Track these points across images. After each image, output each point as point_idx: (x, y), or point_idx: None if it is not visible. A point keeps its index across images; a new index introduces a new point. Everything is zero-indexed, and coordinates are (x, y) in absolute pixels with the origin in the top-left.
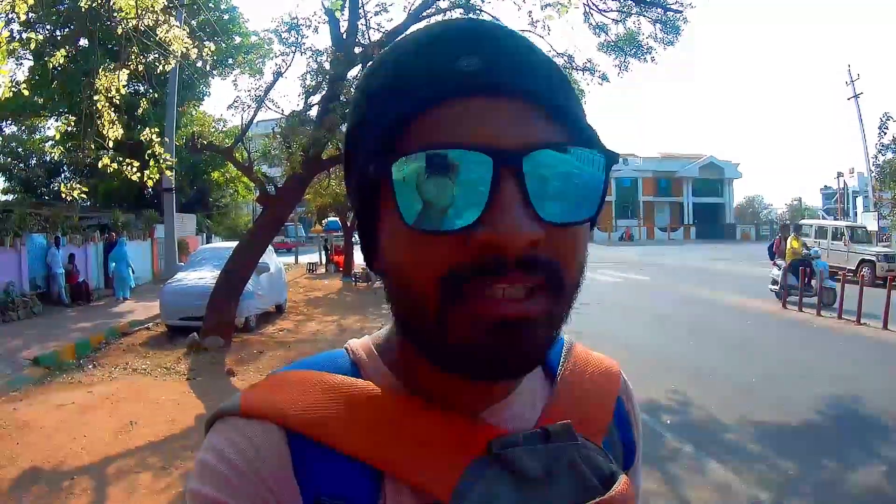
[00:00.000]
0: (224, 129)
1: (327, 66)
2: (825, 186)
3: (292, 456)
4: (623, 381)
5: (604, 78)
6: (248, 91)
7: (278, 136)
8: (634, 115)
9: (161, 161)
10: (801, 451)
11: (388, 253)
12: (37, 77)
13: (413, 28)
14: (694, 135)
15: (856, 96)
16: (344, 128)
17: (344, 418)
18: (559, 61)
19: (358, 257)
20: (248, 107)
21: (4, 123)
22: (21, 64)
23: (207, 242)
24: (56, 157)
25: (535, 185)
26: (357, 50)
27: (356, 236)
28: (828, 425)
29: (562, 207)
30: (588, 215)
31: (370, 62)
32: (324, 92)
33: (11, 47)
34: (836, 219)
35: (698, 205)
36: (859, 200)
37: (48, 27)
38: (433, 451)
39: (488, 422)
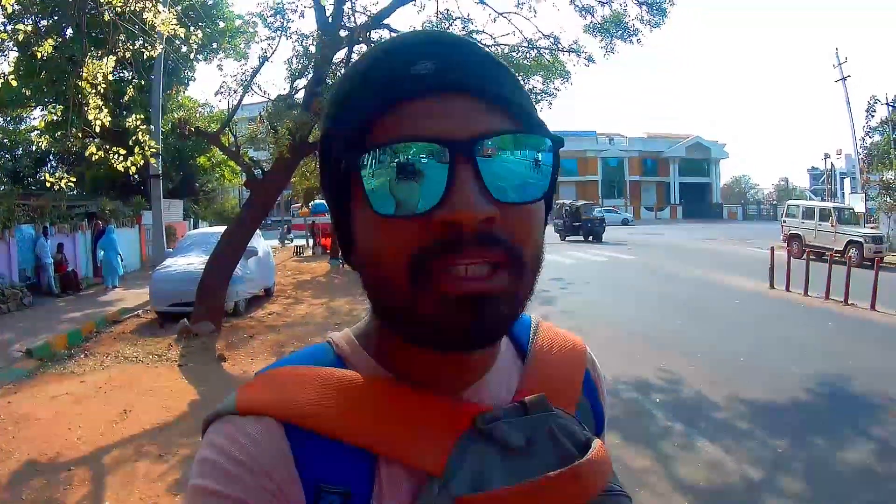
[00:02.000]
0: (210, 113)
1: (313, 49)
2: (812, 167)
3: (292, 447)
4: (588, 354)
5: (590, 59)
6: (234, 76)
7: (265, 120)
8: (620, 96)
9: (146, 148)
10: (790, 428)
11: (361, 242)
12: (22, 68)
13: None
14: (681, 115)
15: (843, 79)
16: None
17: (336, 408)
18: (545, 43)
19: None
20: (234, 92)
21: None
22: (6, 55)
23: (195, 228)
24: (43, 147)
25: (487, 170)
26: (343, 33)
27: None
28: (817, 403)
29: (513, 188)
30: (538, 195)
31: (342, 72)
32: (310, 76)
33: None
34: (823, 200)
35: (685, 184)
36: (847, 182)
37: (34, 18)
38: (423, 430)
39: (470, 400)
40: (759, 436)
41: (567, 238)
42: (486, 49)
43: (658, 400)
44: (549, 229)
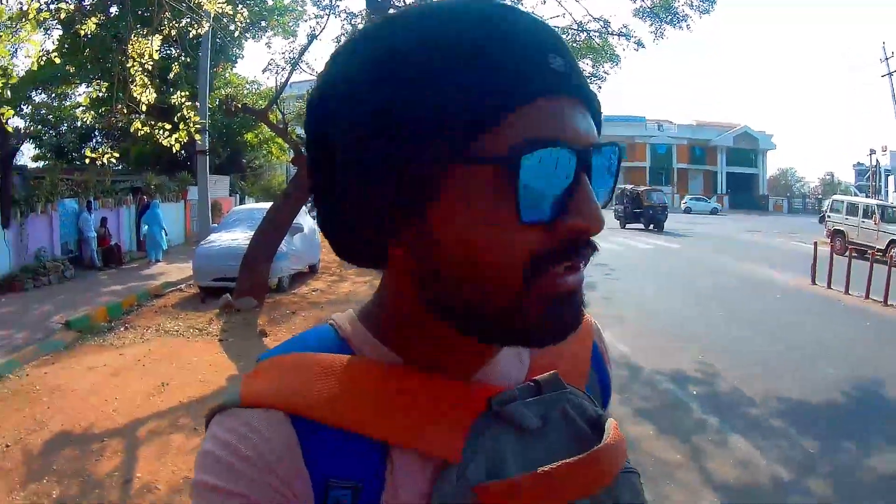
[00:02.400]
0: (258, 91)
1: (361, 27)
2: (858, 163)
3: (300, 441)
4: (595, 325)
5: (639, 44)
6: (282, 53)
7: None
8: (669, 82)
9: (191, 124)
10: (822, 430)
11: (458, 239)
12: (66, 46)
13: None
14: (729, 104)
15: (890, 73)
16: None
17: (346, 396)
18: (594, 26)
19: None
20: (282, 69)
21: (34, 92)
22: (50, 34)
23: (241, 204)
24: (87, 123)
25: (595, 178)
26: (392, 12)
27: None
28: (850, 407)
29: (601, 196)
30: (608, 199)
31: (382, 38)
32: None
33: (41, 17)
34: (868, 196)
35: (732, 174)
36: (892, 179)
37: None
38: (436, 415)
39: (482, 381)
40: (792, 435)
41: (627, 225)
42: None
43: (694, 392)
44: (609, 215)
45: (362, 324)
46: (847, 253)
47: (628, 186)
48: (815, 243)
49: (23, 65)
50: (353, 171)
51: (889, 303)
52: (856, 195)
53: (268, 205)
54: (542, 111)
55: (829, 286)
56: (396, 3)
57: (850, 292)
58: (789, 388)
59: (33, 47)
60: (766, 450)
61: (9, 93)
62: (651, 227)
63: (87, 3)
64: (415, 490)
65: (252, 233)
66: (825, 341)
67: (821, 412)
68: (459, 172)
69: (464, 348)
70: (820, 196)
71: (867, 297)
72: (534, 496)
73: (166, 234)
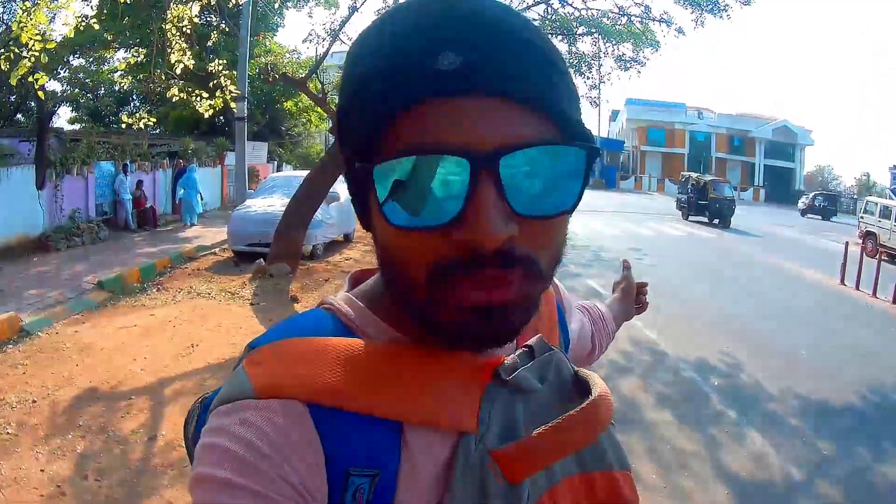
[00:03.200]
0: (298, 60)
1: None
2: (894, 166)
3: (318, 431)
4: (556, 285)
5: (679, 31)
6: (324, 24)
7: None
8: (710, 70)
9: (226, 92)
10: (837, 432)
11: (380, 235)
12: (105, 12)
13: None
14: (769, 97)
15: None
16: None
17: (359, 380)
18: (635, 11)
19: None
20: (323, 40)
21: (72, 56)
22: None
23: (278, 171)
24: (125, 87)
25: (511, 184)
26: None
27: None
28: (867, 411)
29: (539, 202)
30: (564, 209)
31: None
32: None
33: None
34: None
35: (769, 167)
36: None
37: None
38: (447, 390)
39: (484, 354)
40: (807, 435)
41: (690, 217)
42: (525, 25)
43: (716, 383)
44: (671, 205)
45: (363, 304)
46: (878, 256)
47: (693, 174)
48: (847, 243)
49: (60, 31)
50: (343, 156)
51: None
52: (890, 198)
53: (305, 173)
54: (423, 117)
55: (857, 287)
56: None
57: (877, 295)
58: (809, 386)
59: (72, 14)
60: (780, 447)
61: (46, 57)
62: (716, 221)
63: None
64: (434, 466)
65: (288, 200)
66: (849, 343)
67: (838, 414)
68: (371, 177)
69: None
70: (855, 196)
71: (894, 301)
72: (547, 451)
73: (202, 199)
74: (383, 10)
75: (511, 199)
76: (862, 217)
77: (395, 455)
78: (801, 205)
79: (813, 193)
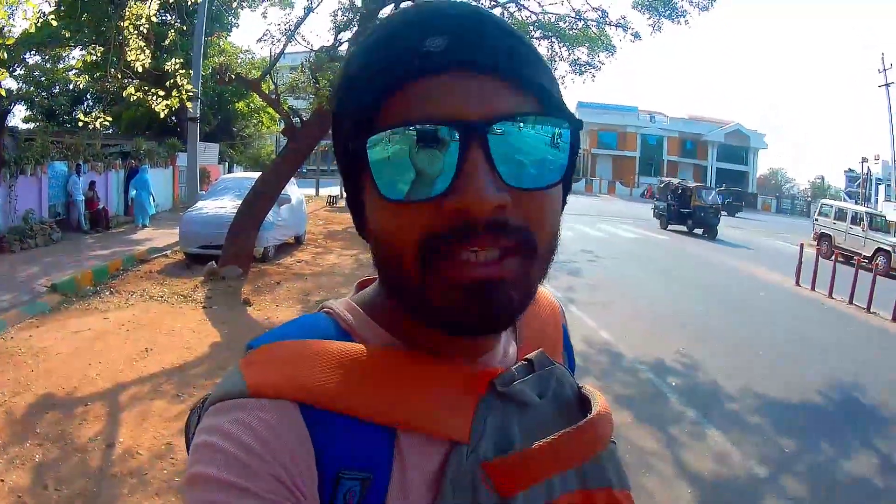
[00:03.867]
0: (251, 60)
1: (359, 3)
2: (849, 169)
3: (310, 431)
4: (561, 309)
5: (636, 36)
6: (278, 24)
7: (307, 70)
8: (665, 75)
9: (183, 91)
10: (799, 429)
11: (372, 221)
12: (63, 8)
13: None
14: (722, 101)
15: (887, 85)
16: None
17: (352, 383)
18: (592, 15)
19: None
20: (277, 40)
21: (28, 54)
22: None
23: (229, 172)
24: (81, 86)
25: (500, 153)
26: None
27: None
28: (828, 408)
29: (527, 173)
30: (554, 180)
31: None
32: (354, 29)
33: None
34: (857, 203)
35: (722, 170)
36: (882, 188)
37: None
38: (443, 398)
39: (482, 365)
40: (769, 432)
41: (670, 226)
42: (503, 21)
43: (674, 384)
44: (648, 212)
45: (361, 309)
46: (833, 257)
47: (674, 180)
48: (802, 245)
49: (19, 26)
50: (336, 147)
51: (872, 310)
52: (845, 201)
53: (256, 174)
54: (413, 94)
55: (812, 288)
56: None
57: (833, 296)
58: (768, 385)
59: (31, 9)
60: (742, 445)
61: (5, 54)
62: (701, 232)
63: None
64: (424, 473)
65: (240, 201)
66: (806, 342)
67: (798, 411)
68: (364, 158)
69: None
70: (809, 199)
71: (850, 302)
72: (540, 466)
73: (154, 200)
74: (338, 11)
75: (500, 169)
76: (817, 219)
77: (388, 460)
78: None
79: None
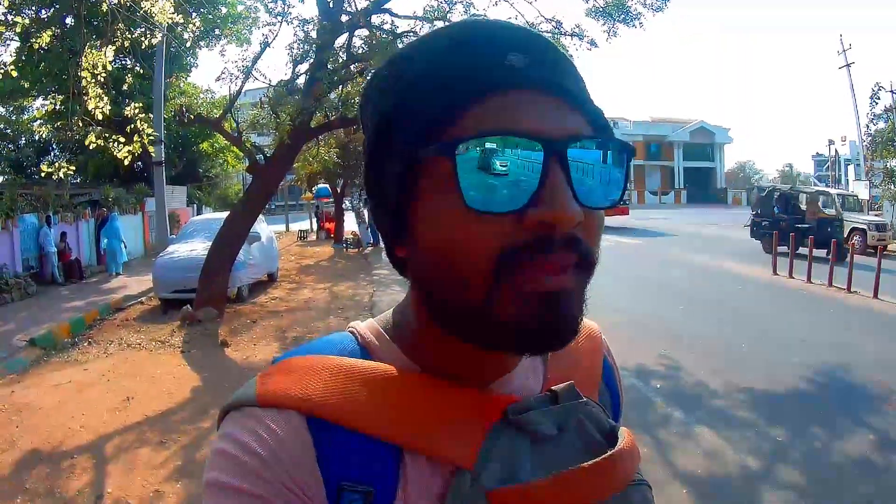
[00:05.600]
0: (212, 100)
1: (314, 35)
2: (817, 154)
3: (315, 443)
4: (604, 342)
5: (592, 43)
6: (236, 62)
7: (266, 105)
8: (624, 79)
9: (144, 135)
10: (790, 418)
11: (431, 234)
12: (23, 58)
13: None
14: (685, 100)
15: (848, 66)
16: (332, 96)
17: (362, 400)
18: (547, 27)
19: (349, 224)
20: (236, 77)
21: None
22: (7, 45)
23: (198, 214)
24: (45, 136)
25: (575, 172)
26: (344, 18)
27: (346, 203)
28: (817, 393)
29: (595, 193)
30: (613, 201)
31: (393, 55)
32: (311, 61)
33: None
34: (827, 186)
35: (689, 169)
36: (851, 169)
37: (34, 8)
38: (452, 422)
39: (499, 391)
40: (759, 425)
41: (780, 247)
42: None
43: (658, 386)
44: (745, 231)
45: (383, 331)
46: (810, 243)
47: (780, 186)
48: (776, 234)
49: None
50: (369, 167)
51: (852, 290)
52: (815, 185)
53: (225, 214)
54: (497, 105)
55: (790, 276)
56: (348, 9)
57: (812, 281)
58: (754, 378)
59: None
60: (733, 440)
61: None
62: (826, 253)
63: (43, 14)
64: (428, 495)
65: (210, 243)
66: (789, 330)
67: (787, 400)
68: (429, 170)
69: (480, 358)
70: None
71: (830, 285)
72: (548, 501)
73: (125, 247)
74: (294, 44)
75: (576, 187)
76: None
77: (392, 478)
78: None
79: None
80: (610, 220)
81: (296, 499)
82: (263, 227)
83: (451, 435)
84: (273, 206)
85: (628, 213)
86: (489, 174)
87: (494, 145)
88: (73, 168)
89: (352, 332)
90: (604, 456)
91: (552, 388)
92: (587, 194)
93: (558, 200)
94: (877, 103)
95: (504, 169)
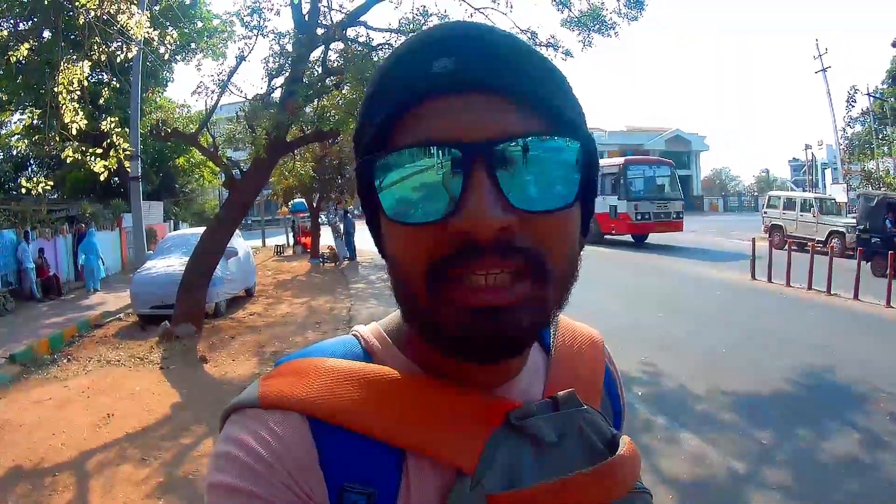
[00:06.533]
0: (188, 114)
1: (290, 48)
2: (793, 158)
3: (317, 444)
4: (607, 351)
5: (567, 53)
6: (212, 76)
7: (242, 119)
8: (599, 89)
9: (120, 150)
10: (774, 420)
11: (385, 244)
12: (1, 71)
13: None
14: (660, 108)
15: (824, 70)
16: (308, 109)
17: (365, 402)
18: (522, 38)
19: (325, 239)
20: (212, 92)
21: None
22: None
23: (175, 229)
24: (22, 151)
25: (506, 175)
26: (319, 31)
27: (322, 218)
28: (801, 395)
29: (536, 195)
30: (564, 203)
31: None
32: (286, 74)
33: None
34: (805, 190)
35: None
36: (828, 172)
37: (11, 21)
38: (454, 425)
39: (501, 397)
40: (743, 428)
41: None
42: (517, 40)
43: (640, 393)
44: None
45: (386, 334)
46: (786, 247)
47: (880, 192)
48: (753, 239)
49: None
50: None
51: (832, 292)
52: (792, 190)
53: (202, 230)
54: (422, 115)
55: (769, 280)
56: (323, 22)
57: (791, 285)
58: (737, 382)
59: None
60: (717, 444)
61: None
62: None
63: (21, 27)
64: (429, 498)
65: (187, 258)
66: (770, 333)
67: (771, 403)
68: (376, 180)
69: (481, 366)
70: (756, 194)
71: (809, 287)
72: None
73: (103, 263)
74: (270, 58)
75: (507, 191)
76: (765, 212)
77: (395, 479)
78: None
79: None
80: (656, 237)
81: (298, 500)
82: (240, 243)
83: (453, 438)
84: (249, 221)
85: (682, 229)
86: (411, 187)
87: (410, 157)
88: (52, 183)
89: (355, 336)
90: (606, 461)
91: (554, 394)
92: (525, 197)
93: (476, 207)
94: (853, 106)
95: (421, 180)
